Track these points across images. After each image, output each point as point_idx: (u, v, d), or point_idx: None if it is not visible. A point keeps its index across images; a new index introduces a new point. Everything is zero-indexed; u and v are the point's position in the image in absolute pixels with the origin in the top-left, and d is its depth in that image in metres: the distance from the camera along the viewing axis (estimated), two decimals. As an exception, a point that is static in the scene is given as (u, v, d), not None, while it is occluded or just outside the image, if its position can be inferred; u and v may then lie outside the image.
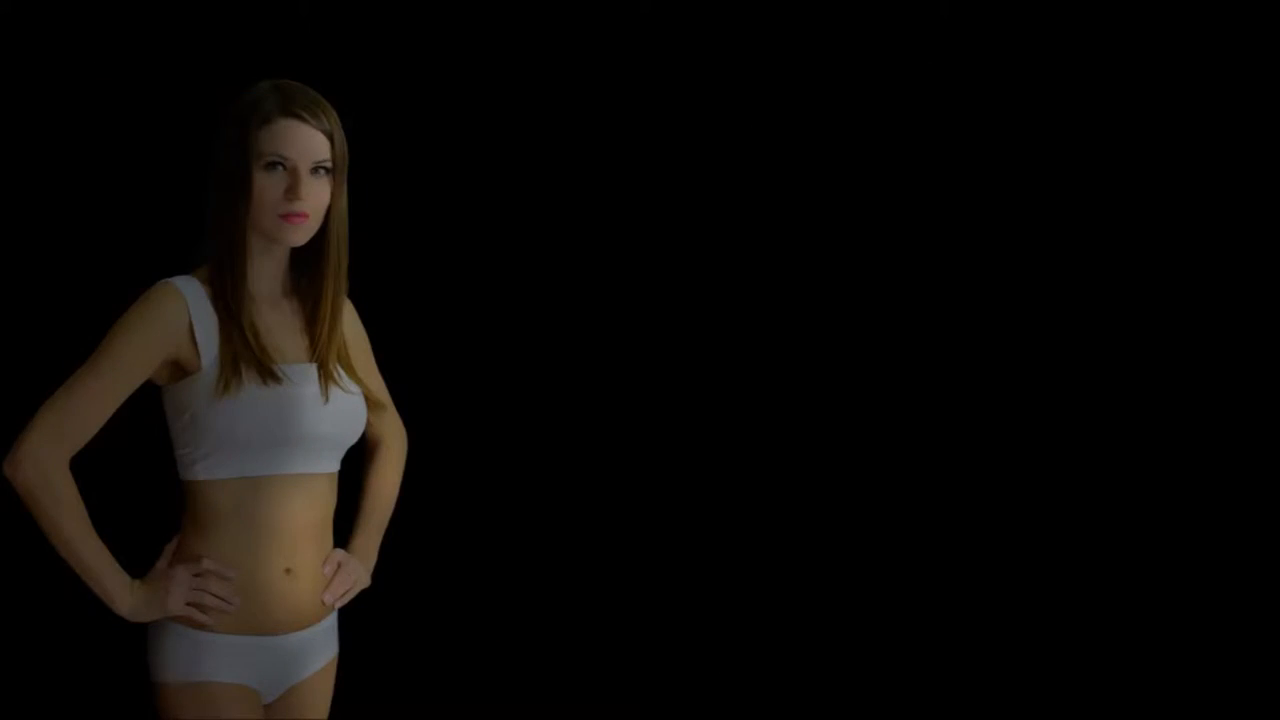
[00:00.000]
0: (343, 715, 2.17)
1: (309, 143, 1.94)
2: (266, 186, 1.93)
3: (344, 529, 2.13)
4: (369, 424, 2.15)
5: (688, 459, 3.28)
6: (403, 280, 3.05)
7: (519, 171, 3.22)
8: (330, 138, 1.96)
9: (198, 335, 1.93)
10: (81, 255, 2.96)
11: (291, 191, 1.92)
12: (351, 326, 2.15)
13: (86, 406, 1.88)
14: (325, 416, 1.98)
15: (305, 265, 2.03)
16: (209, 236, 1.97)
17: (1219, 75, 3.10)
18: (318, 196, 1.95)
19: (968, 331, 3.23)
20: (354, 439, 2.06)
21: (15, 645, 2.97)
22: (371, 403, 2.12)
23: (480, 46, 3.18)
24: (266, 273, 2.01)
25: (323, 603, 2.03)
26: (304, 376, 1.98)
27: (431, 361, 3.07)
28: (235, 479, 1.94)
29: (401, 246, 3.05)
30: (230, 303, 1.94)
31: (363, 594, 2.12)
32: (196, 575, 1.94)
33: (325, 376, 2.00)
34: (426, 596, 3.15)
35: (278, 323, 2.01)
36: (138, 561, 1.99)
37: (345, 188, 2.00)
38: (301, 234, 1.96)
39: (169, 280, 1.95)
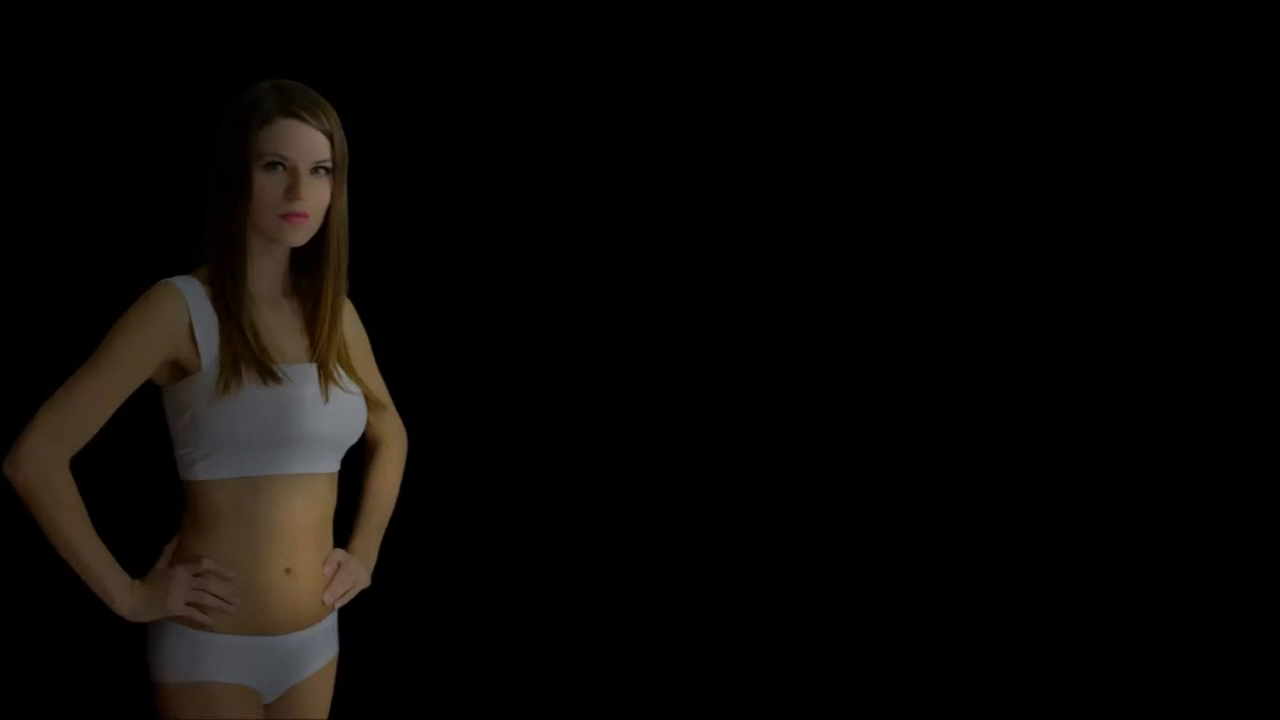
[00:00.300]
0: (343, 715, 2.17)
1: (309, 143, 1.94)
2: (266, 186, 1.93)
3: (344, 529, 2.14)
4: (369, 424, 2.15)
5: (687, 458, 3.28)
6: (403, 280, 3.05)
7: (519, 171, 3.22)
8: (330, 138, 1.96)
9: (198, 335, 1.93)
10: (81, 255, 2.96)
11: (291, 191, 1.93)
12: (351, 326, 2.15)
13: (86, 406, 1.89)
14: (325, 416, 1.98)
15: (305, 265, 2.03)
16: (209, 236, 1.97)
17: (1219, 75, 3.10)
18: (318, 196, 1.95)
19: (967, 331, 3.23)
20: (354, 439, 2.06)
21: (15, 645, 2.97)
22: (371, 403, 2.12)
23: (480, 46, 3.18)
24: (266, 273, 2.01)
25: (323, 603, 2.03)
26: (304, 376, 1.98)
27: (431, 361, 3.07)
28: (235, 479, 1.94)
29: (401, 246, 3.04)
30: (230, 303, 1.94)
31: (363, 594, 2.12)
32: (196, 575, 1.94)
33: (325, 376, 2.00)
34: (426, 596, 3.15)
35: (278, 323, 2.01)
36: (138, 561, 1.99)
37: (345, 188, 2.00)
38: (301, 234, 1.96)
39: (169, 280, 1.95)
